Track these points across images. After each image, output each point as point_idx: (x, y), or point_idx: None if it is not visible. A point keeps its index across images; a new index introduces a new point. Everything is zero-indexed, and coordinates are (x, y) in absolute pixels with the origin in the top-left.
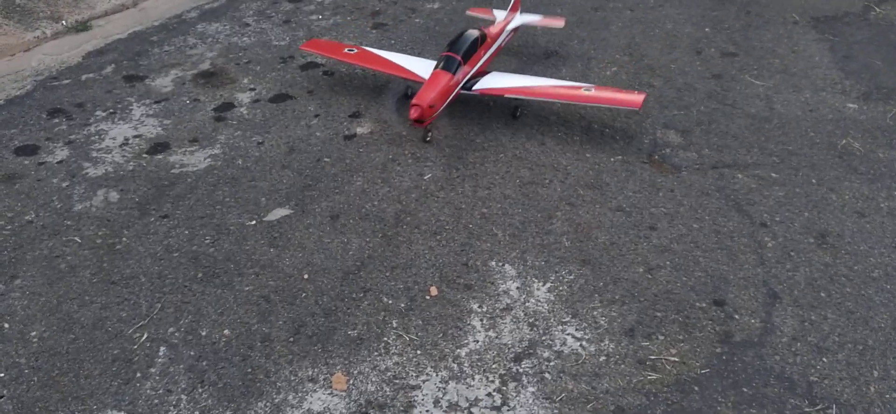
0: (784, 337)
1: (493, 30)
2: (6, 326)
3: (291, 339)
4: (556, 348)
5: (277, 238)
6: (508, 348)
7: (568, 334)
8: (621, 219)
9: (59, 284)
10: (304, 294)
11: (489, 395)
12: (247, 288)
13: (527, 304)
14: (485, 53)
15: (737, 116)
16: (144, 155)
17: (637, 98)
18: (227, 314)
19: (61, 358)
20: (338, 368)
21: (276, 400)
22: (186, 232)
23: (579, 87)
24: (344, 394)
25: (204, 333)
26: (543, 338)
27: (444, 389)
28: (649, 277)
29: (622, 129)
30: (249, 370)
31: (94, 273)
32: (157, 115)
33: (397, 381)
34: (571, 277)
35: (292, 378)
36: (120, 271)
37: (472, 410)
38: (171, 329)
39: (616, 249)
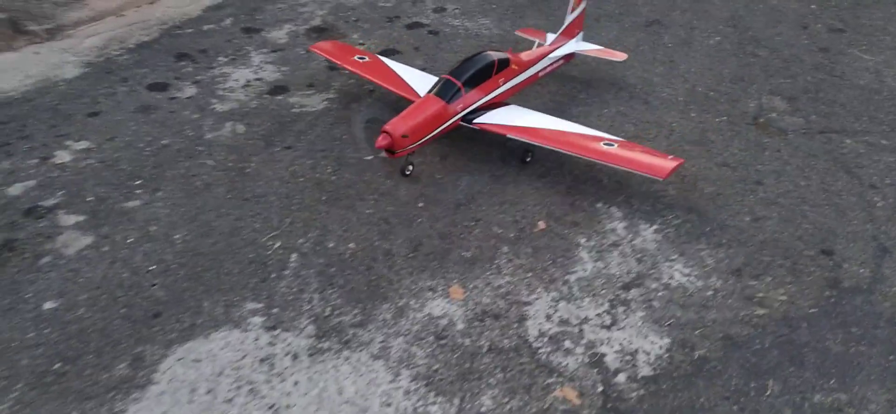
0: (894, 287)
1: (525, 56)
2: (152, 228)
3: (411, 255)
4: (663, 281)
5: (393, 171)
6: (617, 278)
7: (675, 270)
8: (727, 173)
9: (197, 198)
10: (419, 219)
11: (599, 315)
12: (368, 211)
13: (634, 242)
14: (505, 82)
15: (845, 87)
16: (265, 95)
17: (666, 164)
18: (350, 231)
19: (203, 257)
20: (454, 281)
21: (399, 303)
22: (309, 162)
23: (599, 140)
24: (461, 303)
25: (331, 246)
26: (651, 272)
27: (556, 306)
28: (756, 225)
29: (727, 93)
30: (373, 278)
31: (227, 190)
32: (274, 62)
33: (510, 296)
34: (678, 221)
35: (413, 287)
36: (251, 190)
37: (583, 326)
38: (300, 240)
39: (722, 200)
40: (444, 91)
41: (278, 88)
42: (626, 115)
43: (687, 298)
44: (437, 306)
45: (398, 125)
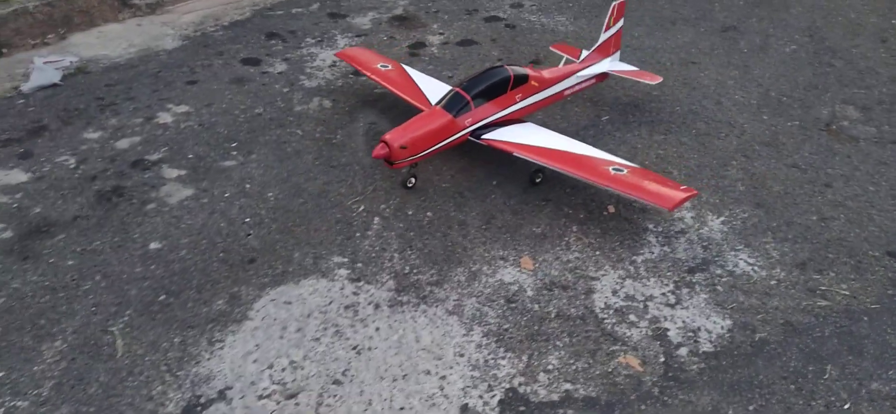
0: None
1: (547, 73)
2: (248, 186)
3: (484, 226)
4: (728, 268)
5: (468, 151)
6: (682, 262)
7: (740, 259)
8: (796, 174)
9: (288, 162)
10: (493, 195)
11: (663, 294)
12: (444, 185)
13: (701, 231)
14: (522, 98)
15: None
16: (350, 75)
17: (675, 195)
18: (428, 201)
19: (294, 214)
20: (525, 253)
21: (473, 269)
22: None
23: (609, 164)
24: (531, 273)
25: (410, 213)
26: (716, 259)
27: (622, 283)
28: (823, 224)
29: (800, 99)
30: (449, 244)
31: (315, 158)
32: (359, 46)
33: (578, 270)
34: (745, 215)
35: (486, 255)
36: (337, 159)
37: (648, 303)
38: (382, 206)
39: (790, 198)
40: (452, 104)
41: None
42: (697, 113)
43: (750, 286)
44: (507, 274)
45: (398, 136)
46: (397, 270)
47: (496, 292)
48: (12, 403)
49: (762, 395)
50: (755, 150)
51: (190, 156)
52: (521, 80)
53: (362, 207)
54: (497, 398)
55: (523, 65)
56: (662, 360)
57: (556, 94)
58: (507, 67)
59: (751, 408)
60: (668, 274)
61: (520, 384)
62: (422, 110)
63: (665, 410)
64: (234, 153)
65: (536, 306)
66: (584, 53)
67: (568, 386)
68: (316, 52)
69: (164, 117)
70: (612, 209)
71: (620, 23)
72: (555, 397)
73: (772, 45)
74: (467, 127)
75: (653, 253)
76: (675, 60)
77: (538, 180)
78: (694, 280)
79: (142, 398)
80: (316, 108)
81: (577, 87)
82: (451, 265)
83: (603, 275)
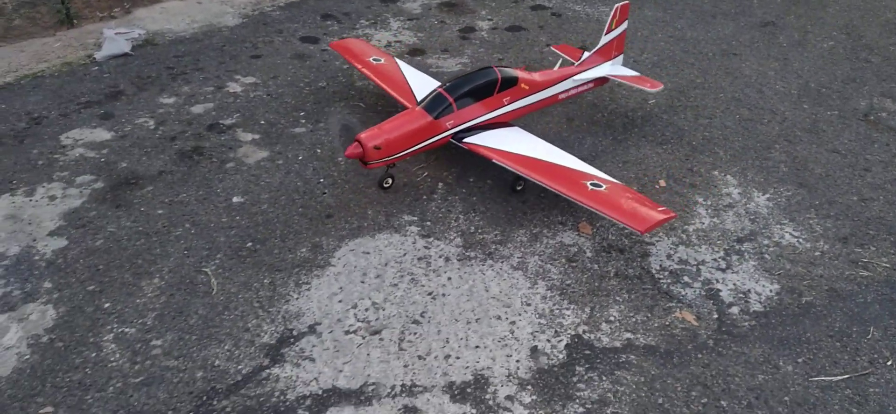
0: None
1: (539, 76)
2: (318, 150)
3: (542, 194)
4: (774, 239)
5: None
6: (731, 233)
7: (786, 232)
8: (837, 159)
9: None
10: None
11: (714, 260)
12: None
13: (748, 205)
14: (510, 101)
15: None
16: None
17: (651, 215)
18: (487, 170)
19: (364, 177)
20: (582, 219)
21: (534, 231)
22: None
23: (589, 178)
24: (589, 237)
25: (471, 179)
26: (763, 230)
27: (675, 249)
28: (863, 204)
29: (839, 91)
30: (510, 208)
31: None
32: (411, 29)
33: (634, 236)
34: (789, 193)
35: (545, 219)
36: None
37: (700, 267)
38: (445, 173)
39: (831, 180)
40: (433, 106)
41: (416, 51)
42: (740, 100)
43: (796, 255)
44: (567, 237)
45: (373, 136)
46: (463, 230)
47: (557, 252)
48: (120, 330)
49: (810, 349)
50: (797, 135)
51: (261, 122)
52: (510, 82)
53: (426, 174)
54: (563, 343)
55: (517, 66)
56: (716, 316)
57: (549, 97)
58: (496, 69)
59: (800, 360)
60: (719, 242)
61: (584, 332)
62: (406, 107)
63: (720, 358)
64: (303, 121)
65: (596, 266)
66: (586, 55)
67: (629, 335)
68: (371, 34)
69: (234, 87)
70: (663, 183)
71: (624, 25)
72: (617, 344)
73: (810, 41)
74: (448, 129)
75: (703, 223)
76: (716, 51)
77: (519, 188)
78: (743, 248)
79: (239, 329)
80: (376, 84)
81: (573, 91)
82: (513, 227)
83: (657, 241)
